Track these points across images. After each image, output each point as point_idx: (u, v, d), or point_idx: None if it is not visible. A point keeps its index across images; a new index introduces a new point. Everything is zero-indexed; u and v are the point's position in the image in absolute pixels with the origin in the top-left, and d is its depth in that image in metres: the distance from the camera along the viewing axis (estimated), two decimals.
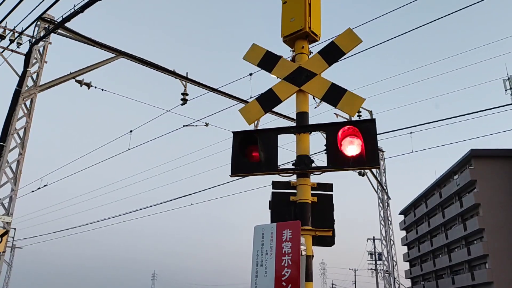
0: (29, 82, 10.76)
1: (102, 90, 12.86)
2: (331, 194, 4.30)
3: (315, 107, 14.28)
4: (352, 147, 3.99)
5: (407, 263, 65.47)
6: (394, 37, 9.41)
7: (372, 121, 4.04)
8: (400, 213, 67.04)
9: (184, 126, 14.79)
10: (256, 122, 4.79)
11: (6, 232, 9.24)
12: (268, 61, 4.89)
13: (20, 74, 10.67)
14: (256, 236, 3.31)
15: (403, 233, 66.56)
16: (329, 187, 4.36)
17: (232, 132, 4.64)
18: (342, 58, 4.58)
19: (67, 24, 10.65)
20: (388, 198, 21.97)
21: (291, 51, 5.02)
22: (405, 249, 66.23)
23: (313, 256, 3.90)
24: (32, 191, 19.28)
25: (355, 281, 56.07)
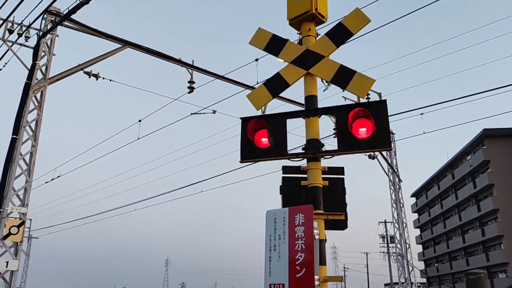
0: (39, 75, 10.83)
1: (110, 80, 12.89)
2: (343, 178, 4.26)
3: (324, 90, 14.11)
4: (363, 130, 3.93)
5: (420, 246, 65.44)
6: (403, 16, 9.17)
7: (383, 102, 3.96)
8: (412, 196, 66.70)
9: (192, 114, 14.81)
10: (263, 108, 4.74)
11: (23, 223, 9.46)
12: (274, 45, 4.80)
13: (29, 67, 10.74)
14: (268, 221, 3.31)
15: (415, 215, 66.37)
16: (340, 170, 4.32)
17: (241, 118, 4.60)
18: (350, 39, 4.47)
19: (73, 16, 10.64)
20: (400, 180, 21.82)
21: (297, 34, 4.93)
22: (417, 231, 66.13)
23: (326, 240, 3.89)
24: (46, 182, 19.64)
25: (367, 264, 56.30)
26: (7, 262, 9.06)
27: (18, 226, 9.28)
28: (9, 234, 9.15)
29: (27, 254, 40.31)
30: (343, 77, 4.21)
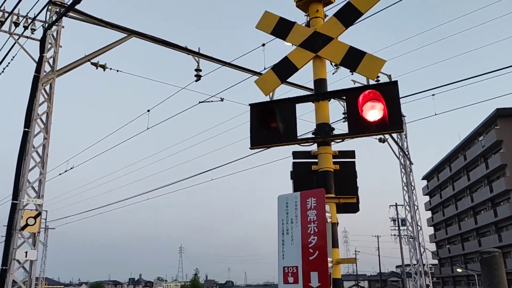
0: (46, 68, 10.88)
1: (118, 71, 12.90)
2: (354, 161, 4.23)
3: (333, 73, 13.90)
4: (373, 112, 3.87)
5: (431, 228, 65.36)
6: None
7: (394, 84, 3.90)
8: (423, 178, 66.34)
9: (199, 102, 14.78)
10: (271, 94, 4.70)
11: (39, 214, 9.66)
12: (282, 28, 4.73)
13: (36, 60, 10.79)
14: (280, 206, 3.32)
15: (426, 198, 66.10)
16: (351, 154, 4.29)
17: (249, 104, 4.57)
18: (359, 20, 4.38)
19: (77, 7, 10.60)
20: (411, 163, 21.64)
21: (305, 15, 4.84)
22: (428, 214, 65.96)
23: (337, 223, 3.90)
24: (60, 174, 19.98)
25: (378, 247, 56.51)
26: (26, 252, 9.30)
27: (35, 217, 9.48)
28: (27, 225, 9.37)
29: (44, 244, 41.37)
30: (353, 59, 4.13)
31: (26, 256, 9.28)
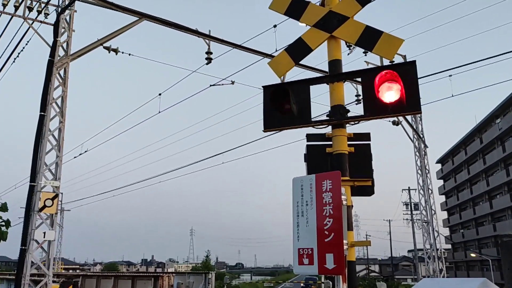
0: (60, 52, 10.94)
1: (130, 54, 12.90)
2: (369, 144, 4.17)
3: (348, 54, 13.63)
4: (390, 93, 3.78)
5: (445, 212, 64.87)
6: None
7: (412, 64, 3.79)
8: (437, 162, 65.48)
9: (210, 85, 14.72)
10: (282, 77, 4.64)
11: (56, 196, 9.89)
12: (295, 8, 4.62)
13: (51, 44, 10.84)
14: (295, 188, 3.31)
15: (440, 182, 65.39)
16: (366, 136, 4.23)
17: (263, 86, 4.52)
18: None
19: None
20: (426, 146, 21.31)
21: None
22: (442, 198, 65.38)
23: (352, 206, 3.87)
24: (75, 157, 20.36)
25: (390, 232, 56.56)
26: (44, 233, 9.57)
27: (52, 199, 9.72)
28: (44, 206, 9.61)
29: (60, 225, 42.56)
30: (369, 38, 4.02)
31: (44, 237, 9.55)
